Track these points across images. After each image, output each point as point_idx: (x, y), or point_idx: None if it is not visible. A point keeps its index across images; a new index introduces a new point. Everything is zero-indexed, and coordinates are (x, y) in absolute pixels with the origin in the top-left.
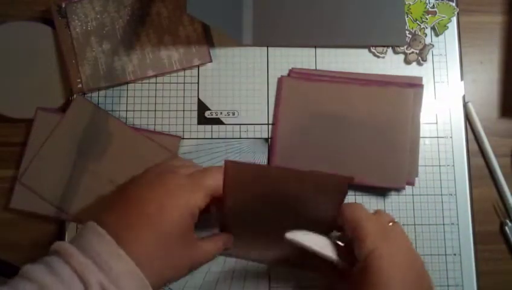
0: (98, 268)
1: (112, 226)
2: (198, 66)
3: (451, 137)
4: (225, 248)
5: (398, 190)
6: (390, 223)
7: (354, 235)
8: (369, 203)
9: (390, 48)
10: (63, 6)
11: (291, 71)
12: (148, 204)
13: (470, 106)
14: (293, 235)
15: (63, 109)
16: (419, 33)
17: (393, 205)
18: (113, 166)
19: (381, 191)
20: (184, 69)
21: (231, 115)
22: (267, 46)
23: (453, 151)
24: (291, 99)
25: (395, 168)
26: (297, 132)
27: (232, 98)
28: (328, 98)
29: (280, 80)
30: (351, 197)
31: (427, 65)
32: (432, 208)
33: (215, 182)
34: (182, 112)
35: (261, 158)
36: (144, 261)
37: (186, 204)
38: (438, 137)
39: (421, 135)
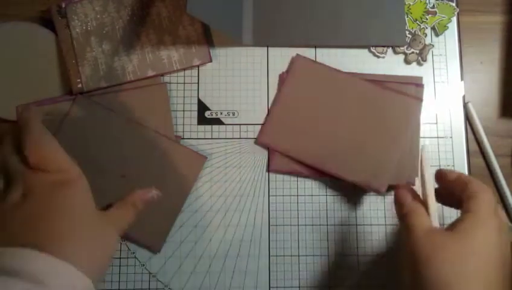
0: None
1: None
2: (198, 66)
3: (451, 137)
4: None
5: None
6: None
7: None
8: (369, 203)
9: (390, 48)
10: (63, 6)
11: None
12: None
13: (470, 106)
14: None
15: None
16: (419, 33)
17: (393, 205)
18: (122, 161)
19: None
20: (184, 69)
21: (231, 115)
22: (267, 46)
23: (453, 151)
24: (298, 80)
25: (381, 169)
26: (294, 115)
27: (232, 98)
28: (334, 86)
29: (292, 60)
30: (351, 197)
31: (427, 65)
32: None
33: None
34: (182, 112)
35: (261, 158)
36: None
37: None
38: (438, 137)
39: (421, 135)
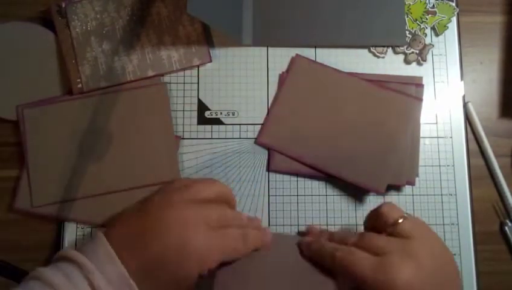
0: (102, 274)
1: (119, 246)
2: (198, 66)
3: (451, 137)
4: None
5: (398, 189)
6: (401, 220)
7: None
8: (369, 203)
9: (390, 48)
10: (63, 6)
11: None
12: (163, 248)
13: (470, 106)
14: None
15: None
16: (419, 33)
17: None
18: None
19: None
20: (184, 69)
21: (231, 115)
22: (267, 46)
23: (453, 151)
24: (298, 80)
25: (381, 169)
26: (294, 115)
27: (232, 98)
28: (334, 86)
29: (292, 60)
30: (351, 197)
31: (427, 65)
32: (432, 208)
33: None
34: (182, 112)
35: (261, 158)
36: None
37: (200, 265)
38: (438, 137)
39: (421, 135)
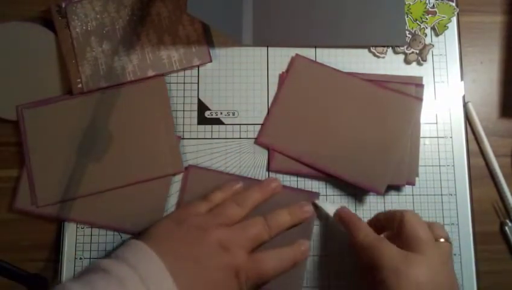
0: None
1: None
2: (198, 66)
3: (451, 137)
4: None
5: (398, 189)
6: (442, 239)
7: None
8: (369, 203)
9: (390, 48)
10: (63, 6)
11: None
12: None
13: (470, 106)
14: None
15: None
16: (419, 33)
17: (393, 205)
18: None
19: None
20: (184, 69)
21: (231, 115)
22: (267, 46)
23: (453, 151)
24: (298, 80)
25: (381, 169)
26: (294, 115)
27: (232, 98)
28: (334, 86)
29: (292, 60)
30: (351, 197)
31: (427, 65)
32: (432, 208)
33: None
34: (182, 112)
35: (261, 158)
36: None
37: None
38: (438, 137)
39: (421, 135)
